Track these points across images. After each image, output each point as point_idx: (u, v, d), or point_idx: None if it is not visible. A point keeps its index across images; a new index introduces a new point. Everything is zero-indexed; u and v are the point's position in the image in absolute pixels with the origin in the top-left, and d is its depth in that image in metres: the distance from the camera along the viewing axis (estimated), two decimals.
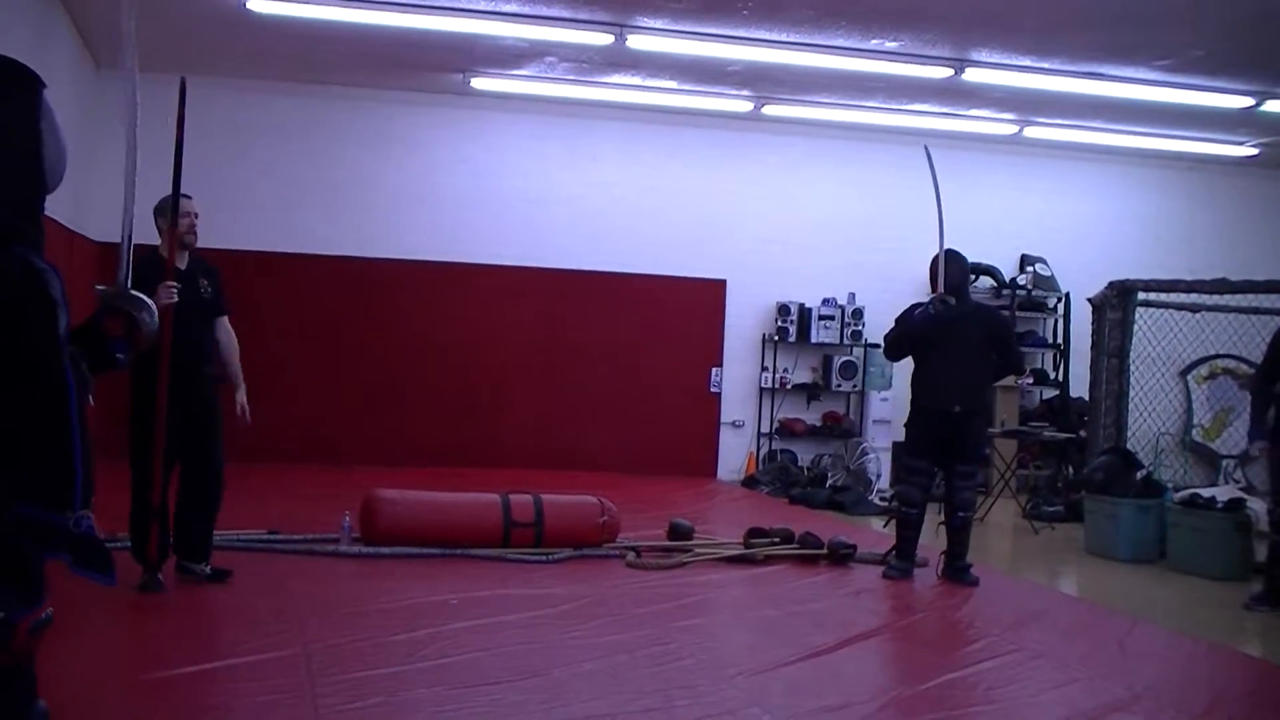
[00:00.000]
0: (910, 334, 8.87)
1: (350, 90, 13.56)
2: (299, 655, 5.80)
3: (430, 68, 12.57)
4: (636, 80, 12.72)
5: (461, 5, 10.33)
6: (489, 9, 10.38)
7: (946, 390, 8.59)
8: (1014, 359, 9.28)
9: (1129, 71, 11.33)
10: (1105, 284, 12.12)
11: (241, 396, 7.63)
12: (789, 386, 14.81)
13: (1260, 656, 7.34)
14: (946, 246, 8.79)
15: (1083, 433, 12.90)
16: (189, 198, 7.27)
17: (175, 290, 6.83)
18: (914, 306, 8.94)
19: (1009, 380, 14.78)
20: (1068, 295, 14.86)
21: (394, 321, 13.74)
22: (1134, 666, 6.59)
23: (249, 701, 5.15)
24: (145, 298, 3.68)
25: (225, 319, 7.58)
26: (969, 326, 8.73)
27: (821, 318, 14.52)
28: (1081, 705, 5.70)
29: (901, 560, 8.77)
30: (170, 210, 7.06)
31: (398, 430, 13.61)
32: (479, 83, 12.90)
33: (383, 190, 13.78)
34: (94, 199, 12.16)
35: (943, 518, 9.12)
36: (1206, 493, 10.24)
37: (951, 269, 8.76)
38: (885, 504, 12.12)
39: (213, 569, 7.39)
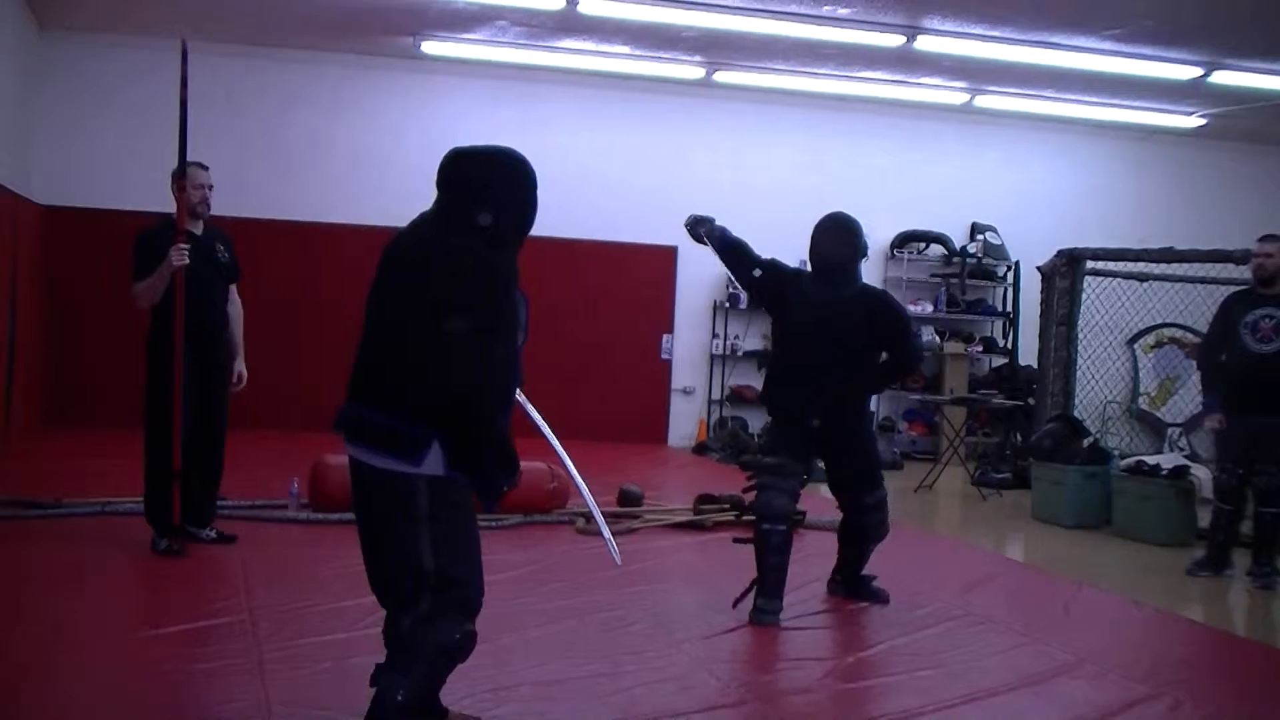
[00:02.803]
0: (742, 263, 6.81)
1: (301, 54, 13.38)
2: (245, 621, 5.78)
3: (381, 31, 12.43)
4: (589, 45, 12.64)
5: None
6: None
7: (798, 398, 6.61)
8: (909, 357, 6.81)
9: (1079, 41, 11.37)
10: (1054, 252, 12.19)
11: (240, 365, 7.64)
12: (740, 353, 14.82)
13: (1202, 621, 7.45)
14: (838, 211, 6.68)
15: (1031, 400, 12.99)
16: (206, 169, 7.30)
17: (186, 251, 6.90)
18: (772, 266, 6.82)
19: (958, 348, 14.94)
20: (1017, 264, 14.90)
21: (346, 286, 13.44)
22: (1078, 631, 6.66)
23: (196, 667, 5.13)
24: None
25: (235, 286, 7.65)
26: (842, 317, 6.47)
27: None
28: (1027, 669, 5.76)
29: (767, 599, 6.48)
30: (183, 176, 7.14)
31: None
32: (430, 46, 12.78)
33: (335, 155, 13.62)
34: (38, 163, 12.13)
35: (838, 529, 7.15)
36: (1151, 460, 10.35)
37: (831, 240, 6.57)
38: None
39: (218, 532, 7.54)
